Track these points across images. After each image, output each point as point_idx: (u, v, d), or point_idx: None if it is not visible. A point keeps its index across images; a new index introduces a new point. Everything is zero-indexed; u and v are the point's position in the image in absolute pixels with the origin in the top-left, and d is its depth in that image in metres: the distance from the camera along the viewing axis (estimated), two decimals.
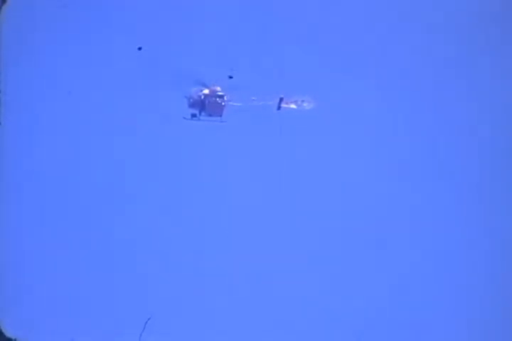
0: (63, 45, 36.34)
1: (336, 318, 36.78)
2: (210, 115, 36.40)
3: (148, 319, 36.44)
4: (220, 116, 36.38)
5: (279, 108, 36.36)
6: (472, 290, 36.92)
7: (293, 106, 36.27)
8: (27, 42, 36.24)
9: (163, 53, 35.87)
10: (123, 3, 35.94)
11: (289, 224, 36.91)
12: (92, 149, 36.57)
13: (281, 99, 36.29)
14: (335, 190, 36.82)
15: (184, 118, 36.21)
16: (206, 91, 36.19)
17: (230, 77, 35.39)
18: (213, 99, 36.15)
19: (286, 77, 35.98)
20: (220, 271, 36.73)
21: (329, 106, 36.19)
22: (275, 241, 36.88)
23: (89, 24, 36.16)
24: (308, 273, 36.89)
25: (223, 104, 36.23)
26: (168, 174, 36.55)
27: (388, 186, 36.96)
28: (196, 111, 36.37)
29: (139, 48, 34.43)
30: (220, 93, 36.17)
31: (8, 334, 35.92)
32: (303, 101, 36.19)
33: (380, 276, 36.91)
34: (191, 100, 36.20)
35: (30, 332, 36.01)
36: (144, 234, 36.76)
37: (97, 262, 36.55)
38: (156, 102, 36.03)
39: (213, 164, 36.55)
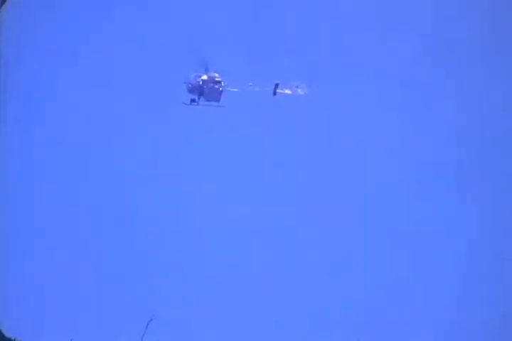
0: (63, 45, 37.46)
1: (335, 318, 36.20)
2: (209, 100, 37.75)
3: (150, 320, 35.71)
4: (218, 101, 37.69)
5: (274, 93, 37.71)
6: (473, 291, 36.57)
7: (288, 91, 37.64)
8: (27, 42, 37.25)
9: (162, 41, 37.52)
10: None
11: (285, 210, 37.13)
12: (94, 145, 37.15)
13: (276, 85, 37.72)
14: (328, 172, 37.38)
15: (183, 103, 37.49)
16: (204, 77, 37.68)
17: None
18: (211, 84, 37.59)
19: (281, 64, 37.51)
20: (222, 270, 36.59)
21: (322, 92, 37.53)
22: (273, 231, 36.92)
23: (89, 22, 37.58)
24: (309, 272, 36.68)
25: (221, 89, 37.64)
26: (169, 158, 37.23)
27: (380, 169, 37.54)
28: (195, 97, 37.72)
29: None
30: (217, 79, 37.67)
31: (8, 334, 34.98)
32: (297, 86, 37.61)
33: (381, 277, 36.63)
34: (190, 86, 37.66)
35: (30, 332, 35.09)
36: (145, 232, 36.78)
37: (98, 262, 36.39)
38: (156, 88, 37.32)
39: (212, 147, 37.33)
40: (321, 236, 36.92)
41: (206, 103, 37.85)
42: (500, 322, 36.10)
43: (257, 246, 36.82)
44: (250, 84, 37.41)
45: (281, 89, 37.76)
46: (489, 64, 38.13)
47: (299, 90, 37.63)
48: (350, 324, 35.93)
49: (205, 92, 37.62)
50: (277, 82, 37.68)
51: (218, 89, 37.70)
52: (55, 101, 37.51)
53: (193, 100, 37.78)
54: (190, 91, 37.72)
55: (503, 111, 38.03)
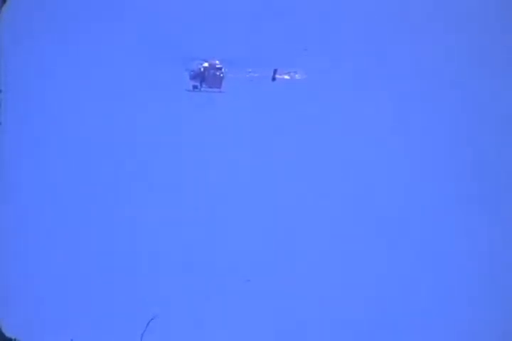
0: (63, 45, 38.05)
1: (336, 318, 36.52)
2: (210, 86, 38.92)
3: (151, 319, 35.77)
4: (219, 87, 38.86)
5: (273, 79, 38.86)
6: (475, 293, 37.03)
7: (286, 77, 38.79)
8: (27, 42, 37.78)
9: (163, 31, 38.64)
10: None
11: (284, 199, 37.81)
12: (94, 143, 37.74)
13: (275, 71, 38.89)
14: (327, 157, 38.22)
15: (186, 90, 38.67)
16: (206, 64, 38.88)
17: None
18: (212, 71, 38.79)
19: (279, 51, 38.65)
20: (224, 269, 37.09)
21: (319, 77, 38.57)
22: (273, 223, 37.53)
23: (89, 23, 38.33)
24: (309, 273, 37.23)
25: (222, 75, 38.83)
26: (173, 143, 38.02)
27: (380, 154, 38.29)
28: (197, 83, 38.89)
29: None
30: (218, 66, 38.87)
31: (8, 334, 35.41)
32: (295, 72, 38.75)
33: (382, 277, 37.16)
34: (192, 73, 38.85)
35: (30, 332, 35.51)
36: (146, 229, 37.25)
37: (98, 261, 36.78)
38: (160, 77, 38.38)
39: (214, 131, 38.28)
40: (320, 232, 37.42)
41: (208, 89, 38.97)
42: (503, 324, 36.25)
43: (258, 243, 37.21)
44: (250, 70, 38.58)
45: (280, 75, 38.93)
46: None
47: (297, 75, 38.82)
48: (351, 324, 36.20)
49: (206, 79, 38.84)
50: (276, 68, 38.85)
51: (219, 75, 38.95)
52: (54, 101, 37.75)
53: (195, 87, 39.02)
54: (193, 78, 38.95)
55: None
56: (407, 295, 36.66)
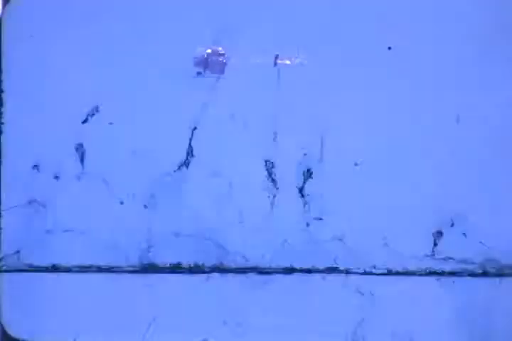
0: (66, 45, 39.56)
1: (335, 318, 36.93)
2: (214, 72, 40.04)
3: (153, 320, 36.29)
4: (223, 73, 39.96)
5: (275, 64, 39.83)
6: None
7: (287, 61, 39.71)
8: (30, 41, 39.52)
9: (166, 19, 39.93)
10: None
11: (287, 184, 38.52)
12: (95, 142, 38.82)
13: (276, 56, 39.82)
14: (329, 142, 38.99)
15: (190, 76, 39.96)
16: (208, 50, 40.03)
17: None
18: (215, 57, 39.90)
19: (280, 36, 39.57)
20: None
21: (319, 61, 39.39)
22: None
23: (91, 22, 39.53)
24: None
25: (224, 61, 39.94)
26: (175, 126, 39.32)
27: (382, 136, 38.82)
28: (201, 70, 40.08)
29: None
30: (221, 52, 39.98)
31: (9, 334, 36.63)
32: (296, 57, 39.65)
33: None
34: (195, 60, 40.05)
35: (31, 332, 36.53)
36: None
37: None
38: (163, 64, 39.80)
39: (217, 116, 39.44)
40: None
41: (211, 75, 40.14)
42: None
43: (258, 239, 37.89)
44: (252, 55, 39.63)
45: (281, 60, 39.84)
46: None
47: (298, 60, 39.72)
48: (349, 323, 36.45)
49: (209, 65, 39.97)
50: (277, 53, 39.81)
51: (222, 61, 39.96)
52: (55, 101, 39.19)
53: (198, 73, 40.15)
54: (196, 64, 40.10)
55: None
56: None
